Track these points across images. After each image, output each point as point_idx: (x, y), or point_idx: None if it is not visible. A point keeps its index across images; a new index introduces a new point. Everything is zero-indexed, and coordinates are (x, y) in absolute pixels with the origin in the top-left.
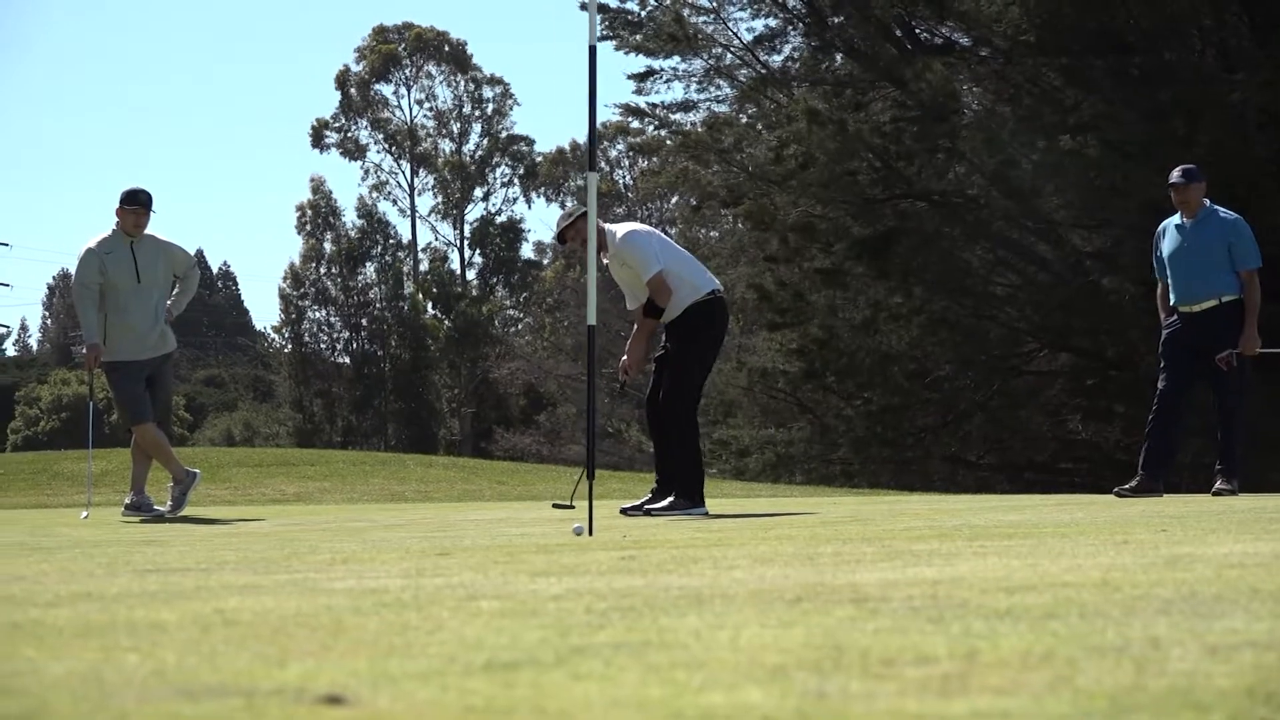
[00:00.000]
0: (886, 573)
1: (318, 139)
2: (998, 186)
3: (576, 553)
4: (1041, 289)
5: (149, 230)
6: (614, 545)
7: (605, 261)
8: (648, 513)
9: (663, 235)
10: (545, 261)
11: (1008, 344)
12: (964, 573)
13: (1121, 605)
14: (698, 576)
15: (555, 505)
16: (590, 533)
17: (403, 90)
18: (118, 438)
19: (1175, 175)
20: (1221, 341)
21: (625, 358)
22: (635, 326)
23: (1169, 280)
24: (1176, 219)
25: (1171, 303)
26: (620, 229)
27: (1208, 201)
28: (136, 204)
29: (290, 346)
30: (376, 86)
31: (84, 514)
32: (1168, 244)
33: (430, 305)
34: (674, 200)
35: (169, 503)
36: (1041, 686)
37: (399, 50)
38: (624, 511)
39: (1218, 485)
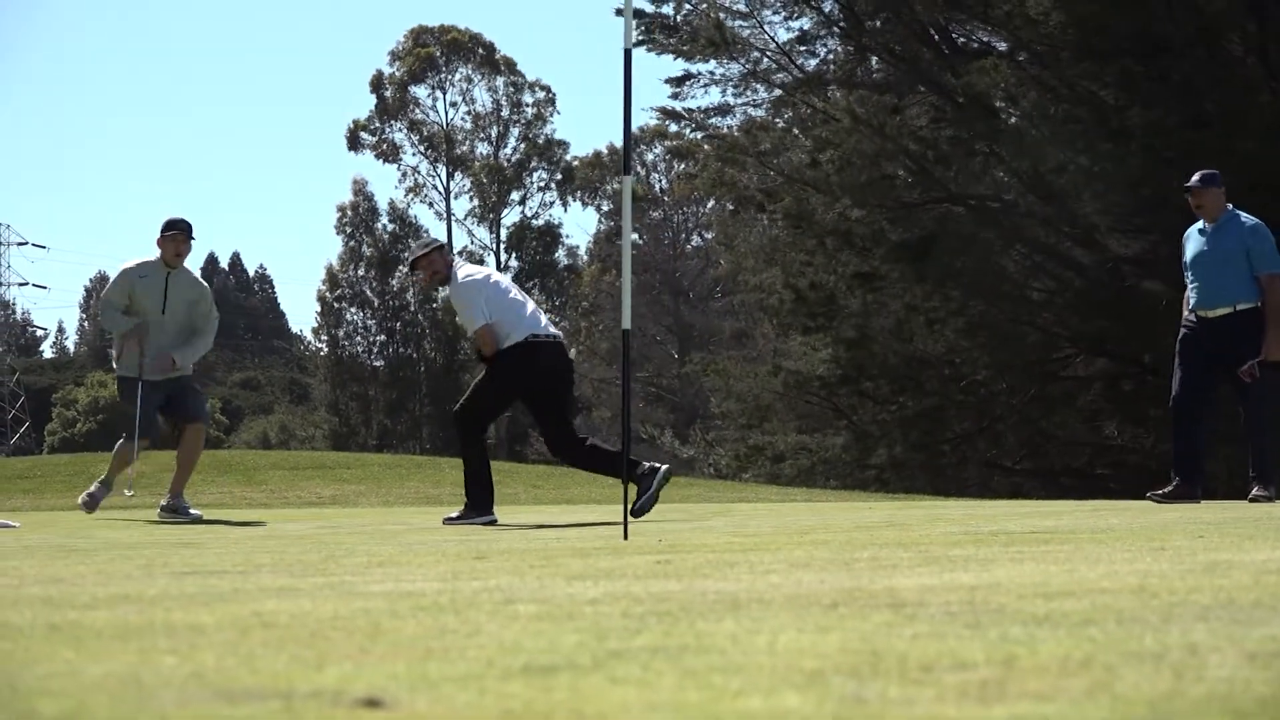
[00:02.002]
0: (923, 578)
1: (354, 141)
2: (1035, 191)
3: (613, 557)
4: (1078, 294)
5: (188, 263)
6: (650, 550)
7: (446, 293)
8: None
9: (497, 282)
10: (581, 266)
11: (1044, 349)
12: (1001, 578)
13: (1159, 611)
14: (734, 581)
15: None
16: (625, 536)
17: (438, 93)
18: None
19: (1193, 180)
20: (1238, 350)
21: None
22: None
23: (1190, 285)
24: (1200, 224)
25: (1190, 306)
26: (461, 271)
27: (1230, 206)
28: (176, 230)
29: (327, 349)
30: (413, 89)
31: (128, 491)
32: (1190, 249)
33: None
34: (710, 204)
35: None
36: (1080, 693)
37: (436, 54)
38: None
39: (1254, 492)
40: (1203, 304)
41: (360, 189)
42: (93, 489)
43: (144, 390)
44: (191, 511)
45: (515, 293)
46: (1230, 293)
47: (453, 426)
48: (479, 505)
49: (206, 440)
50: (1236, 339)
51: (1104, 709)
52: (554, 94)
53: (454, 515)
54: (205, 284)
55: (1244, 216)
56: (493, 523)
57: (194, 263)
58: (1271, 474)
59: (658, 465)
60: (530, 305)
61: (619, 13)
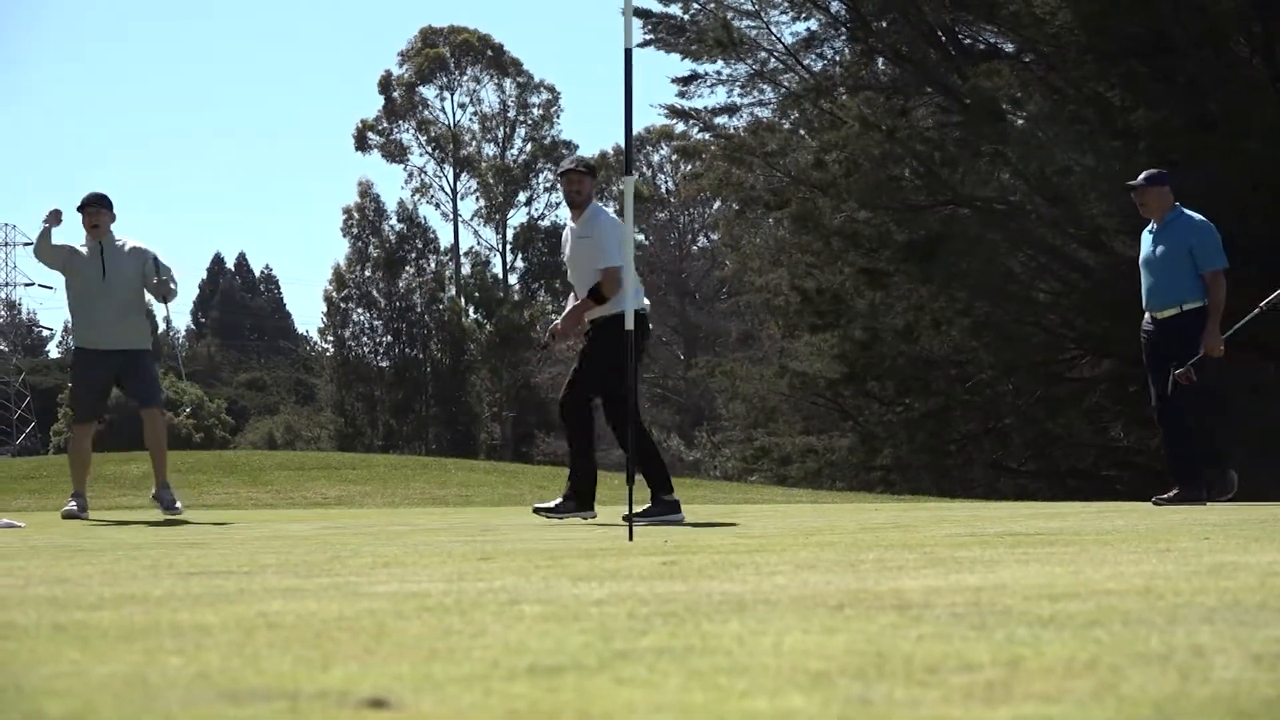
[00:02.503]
0: (929, 580)
1: (361, 141)
2: (1042, 192)
3: (618, 558)
4: (1084, 295)
5: (123, 236)
6: (655, 550)
7: (573, 225)
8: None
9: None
10: None
11: (1050, 350)
12: (1006, 580)
13: (1165, 613)
14: (740, 582)
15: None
16: (630, 537)
17: (446, 94)
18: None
19: (1138, 179)
20: (1185, 350)
21: (558, 322)
22: (573, 299)
23: (1143, 286)
24: (1150, 224)
25: (1144, 307)
26: (603, 206)
27: (1177, 205)
28: (87, 206)
29: (333, 350)
30: (420, 90)
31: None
32: (1142, 250)
33: (471, 309)
34: (716, 204)
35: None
36: (1086, 694)
37: (445, 54)
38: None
39: (1170, 496)
40: (1152, 305)
41: (366, 190)
42: (70, 506)
43: (92, 363)
44: (176, 505)
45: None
46: (1177, 293)
47: (563, 417)
48: (585, 500)
49: (212, 440)
50: (1185, 340)
51: (1109, 710)
52: (559, 94)
53: (549, 506)
54: (149, 250)
55: (1190, 215)
56: (591, 516)
57: (199, 263)
58: (1228, 467)
59: (680, 513)
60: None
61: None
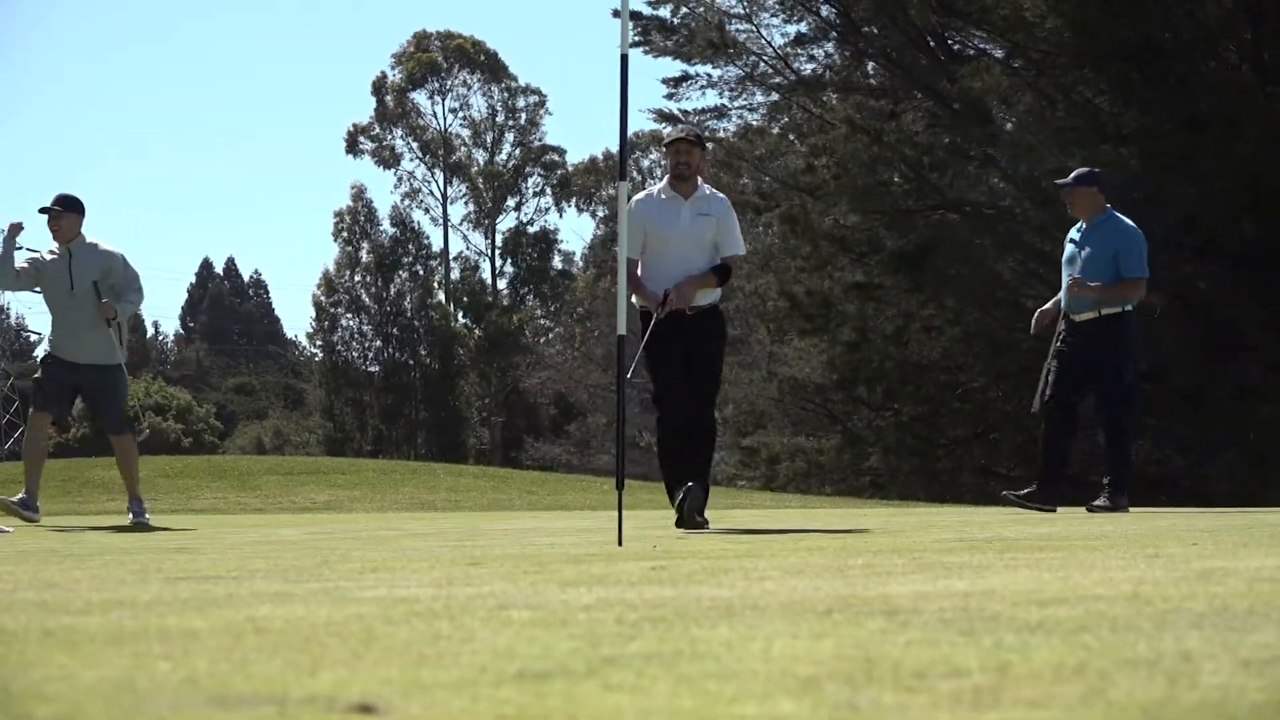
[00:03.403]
0: (918, 585)
1: (352, 145)
2: (1031, 197)
3: (607, 563)
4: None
5: (93, 239)
6: (644, 556)
7: (672, 199)
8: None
9: None
10: (576, 271)
11: (1039, 356)
12: (995, 585)
13: (1153, 619)
14: (728, 587)
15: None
16: (620, 543)
17: (438, 98)
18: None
19: (1068, 178)
20: (1101, 355)
21: (674, 295)
22: (706, 274)
23: (1064, 287)
24: (1079, 224)
25: (1062, 308)
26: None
27: (1108, 208)
28: (48, 211)
29: (322, 354)
30: (412, 95)
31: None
32: (1067, 249)
33: (461, 314)
34: None
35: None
36: (1074, 699)
37: (438, 59)
38: None
39: (1098, 500)
40: (1070, 307)
41: (359, 194)
42: (26, 515)
43: (61, 367)
44: (144, 518)
45: None
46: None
47: (709, 433)
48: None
49: (201, 445)
50: (1101, 345)
51: (1098, 716)
52: (545, 97)
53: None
54: (117, 253)
55: (1120, 218)
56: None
57: (188, 267)
58: (1126, 484)
59: (705, 519)
60: None
61: (616, 13)
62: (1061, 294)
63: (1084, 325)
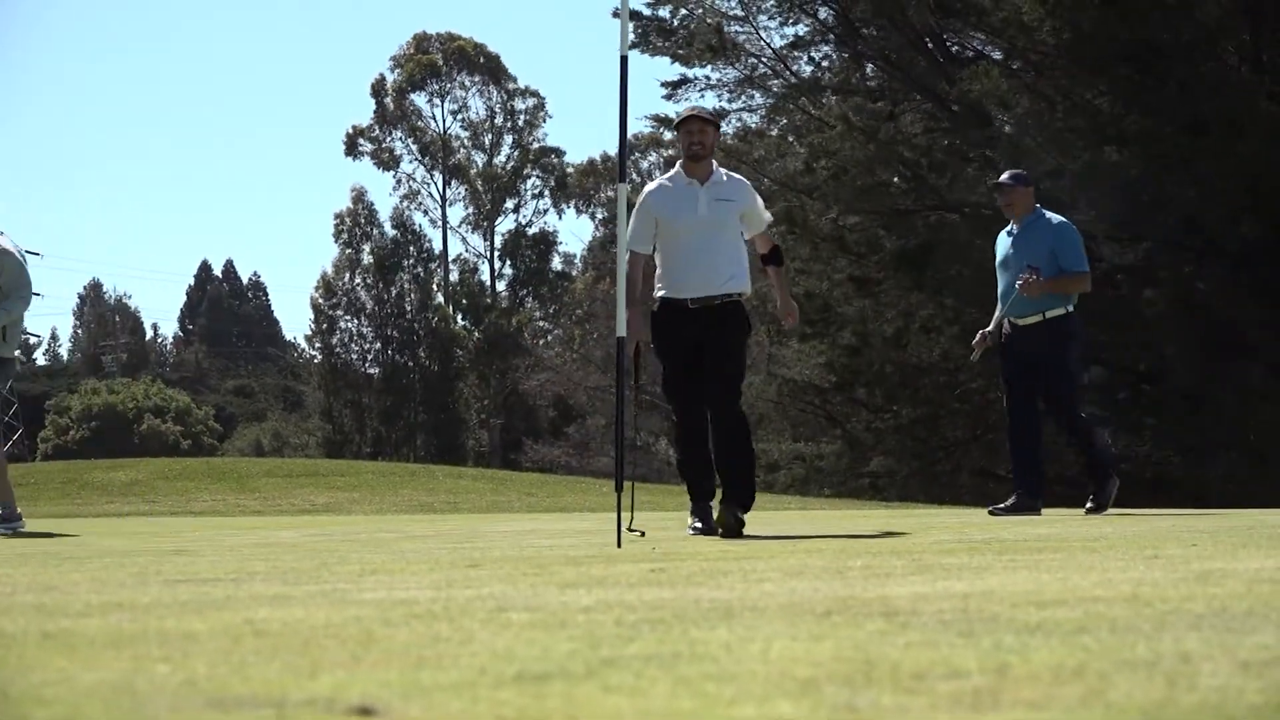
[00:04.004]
0: (917, 586)
1: (351, 147)
2: None
3: (606, 564)
4: None
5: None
6: (643, 557)
7: (689, 185)
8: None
9: None
10: (575, 273)
11: None
12: (994, 586)
13: (1152, 620)
14: (727, 589)
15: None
16: (619, 545)
17: (437, 100)
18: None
19: (1002, 177)
20: (1049, 358)
21: (788, 304)
22: (776, 277)
23: (1000, 290)
24: (1010, 225)
25: (1000, 313)
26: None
27: (1038, 207)
28: None
29: (320, 357)
30: (411, 96)
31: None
32: (1000, 252)
33: (460, 316)
34: None
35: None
36: (1073, 701)
37: (438, 61)
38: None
39: (1090, 504)
40: (1013, 311)
41: (359, 196)
42: (13, 528)
43: None
44: (12, 526)
45: None
46: (1040, 300)
47: (740, 425)
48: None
49: (200, 447)
50: (1048, 348)
51: (1097, 717)
52: (544, 99)
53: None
54: (10, 251)
55: (1050, 216)
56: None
57: (187, 269)
58: (1108, 476)
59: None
60: None
61: (616, 14)
62: (999, 304)
63: (1029, 329)
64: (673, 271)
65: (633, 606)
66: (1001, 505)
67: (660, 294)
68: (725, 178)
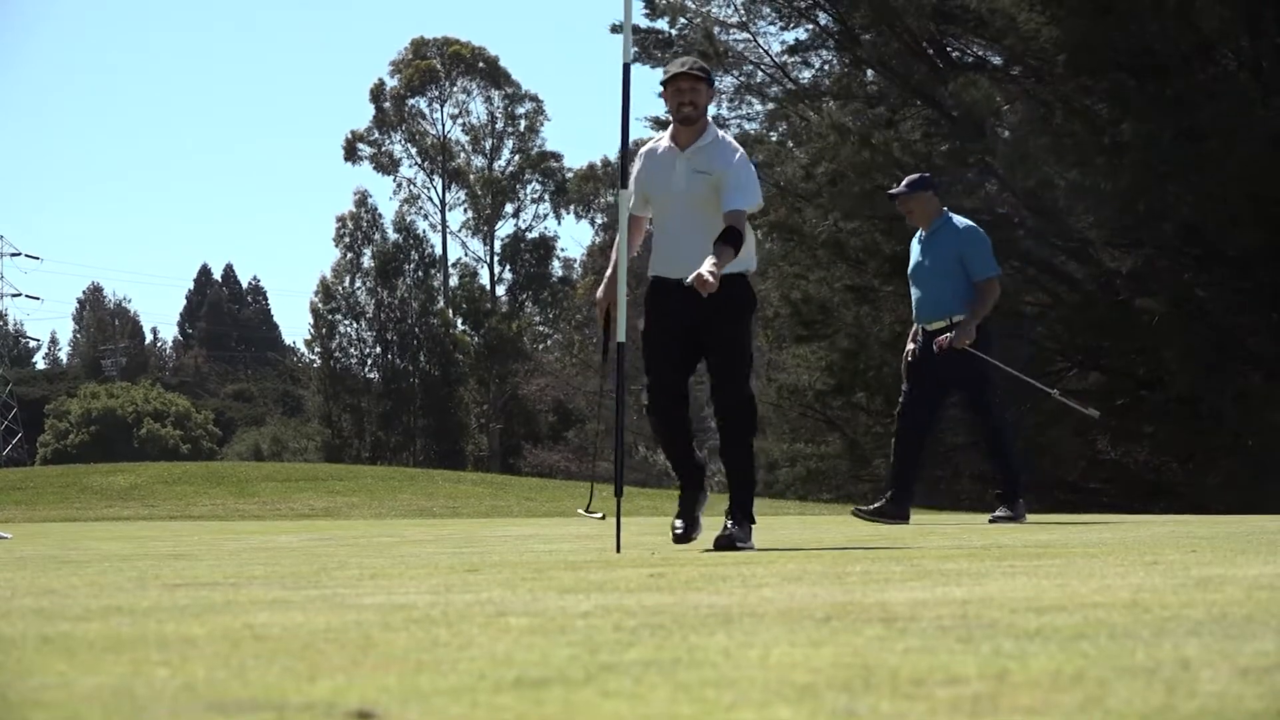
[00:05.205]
0: (916, 592)
1: (351, 152)
2: (1029, 205)
3: (605, 570)
4: (1072, 308)
5: None
6: (642, 563)
7: (671, 150)
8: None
9: None
10: (575, 278)
11: (1037, 363)
12: (993, 592)
13: (1152, 626)
14: (726, 594)
15: (587, 512)
16: (618, 550)
17: (436, 105)
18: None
19: (900, 185)
20: (953, 364)
21: (707, 269)
22: (719, 254)
23: (912, 296)
24: (921, 232)
25: (913, 318)
26: (731, 139)
27: (945, 211)
28: None
29: (320, 361)
30: (411, 101)
31: None
32: (912, 258)
33: (460, 321)
34: None
35: None
36: (1072, 707)
37: (436, 65)
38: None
39: (996, 512)
40: (921, 316)
41: (362, 200)
42: None
43: None
44: None
45: None
46: (945, 305)
47: (742, 415)
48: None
49: (199, 451)
50: (952, 355)
51: None
52: (542, 104)
53: (746, 548)
54: None
55: (957, 220)
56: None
57: (187, 273)
58: (1018, 491)
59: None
60: None
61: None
62: (913, 304)
63: (937, 334)
64: (662, 246)
65: (632, 612)
66: (866, 507)
67: (652, 272)
68: (710, 141)
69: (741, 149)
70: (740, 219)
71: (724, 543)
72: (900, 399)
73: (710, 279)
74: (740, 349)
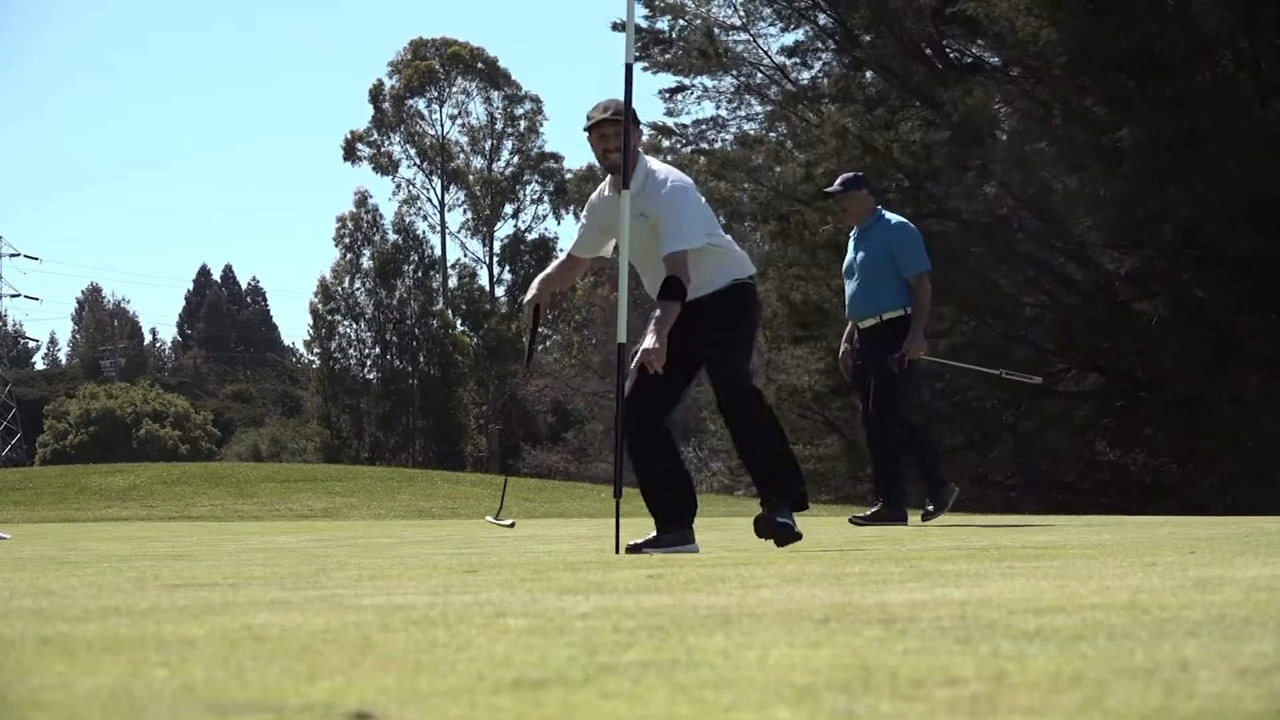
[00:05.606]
0: (914, 593)
1: (350, 152)
2: (1028, 207)
3: (604, 571)
4: (1071, 310)
5: None
6: (641, 563)
7: (611, 195)
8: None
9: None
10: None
11: (1036, 365)
12: (992, 593)
13: (1150, 627)
14: (725, 595)
15: (494, 520)
16: (617, 551)
17: (435, 105)
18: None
19: (835, 184)
20: (883, 360)
21: (650, 345)
22: (662, 312)
23: (847, 295)
24: (854, 230)
25: (845, 315)
26: (663, 170)
27: (879, 209)
28: None
29: (319, 362)
30: (410, 101)
31: None
32: (846, 256)
33: (459, 322)
34: None
35: None
36: (1071, 708)
37: (435, 66)
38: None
39: (866, 513)
40: (854, 313)
41: (362, 200)
42: None
43: None
44: None
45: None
46: (876, 302)
47: (738, 402)
48: (799, 500)
49: (198, 452)
50: (882, 350)
51: None
52: (542, 105)
53: (784, 523)
54: None
55: (890, 217)
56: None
57: (186, 274)
58: (895, 491)
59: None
60: None
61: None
62: (846, 302)
63: (866, 332)
64: (641, 276)
65: (630, 613)
66: (861, 515)
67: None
68: (644, 181)
69: (672, 177)
70: (679, 263)
71: (758, 527)
72: (858, 406)
73: (655, 357)
74: (730, 345)
